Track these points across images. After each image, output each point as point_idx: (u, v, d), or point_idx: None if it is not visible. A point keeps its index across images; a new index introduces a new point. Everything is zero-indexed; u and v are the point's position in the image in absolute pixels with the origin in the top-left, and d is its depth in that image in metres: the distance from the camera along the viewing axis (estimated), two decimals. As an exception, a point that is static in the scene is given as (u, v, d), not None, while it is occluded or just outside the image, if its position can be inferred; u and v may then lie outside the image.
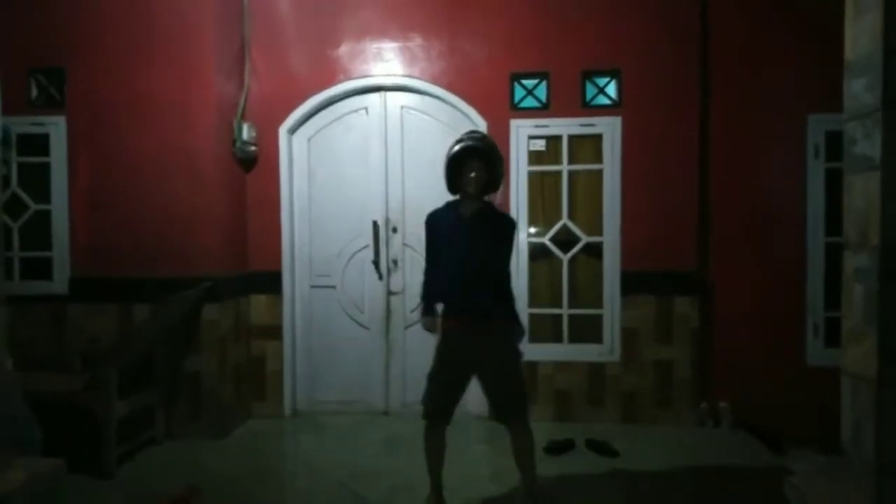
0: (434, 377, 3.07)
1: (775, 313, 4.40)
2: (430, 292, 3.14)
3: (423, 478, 3.02)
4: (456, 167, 3.03)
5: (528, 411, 3.06)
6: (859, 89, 1.99)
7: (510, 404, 3.03)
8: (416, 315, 4.71)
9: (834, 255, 3.98)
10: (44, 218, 4.39)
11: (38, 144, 4.38)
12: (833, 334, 4.17)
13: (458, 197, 3.12)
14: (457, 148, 3.05)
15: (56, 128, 4.34)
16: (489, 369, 3.02)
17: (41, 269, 4.39)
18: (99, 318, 4.28)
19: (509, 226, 3.15)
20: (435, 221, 3.15)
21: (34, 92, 4.39)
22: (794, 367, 4.36)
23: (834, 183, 4.17)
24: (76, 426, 3.74)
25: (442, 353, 3.07)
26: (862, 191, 1.98)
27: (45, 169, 4.36)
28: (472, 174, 3.00)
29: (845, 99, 2.08)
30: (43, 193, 4.38)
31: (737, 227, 4.45)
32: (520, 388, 3.08)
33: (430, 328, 3.14)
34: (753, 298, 4.42)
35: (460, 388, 3.07)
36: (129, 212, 4.28)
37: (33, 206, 4.41)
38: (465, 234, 3.03)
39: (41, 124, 4.36)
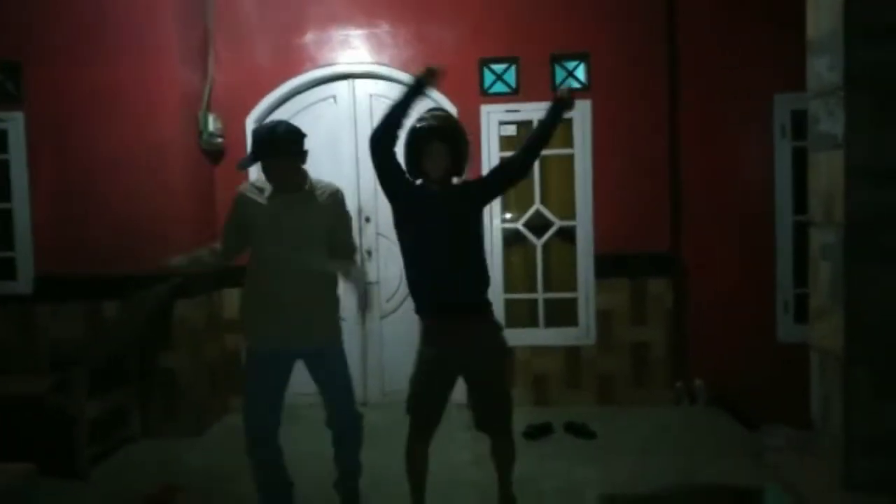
0: (414, 382, 2.82)
1: (747, 291, 4.47)
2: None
3: (402, 470, 3.00)
4: (417, 149, 2.74)
5: (511, 423, 2.88)
6: (822, 68, 2.01)
7: (491, 415, 2.83)
8: (392, 305, 4.72)
9: (802, 233, 4.04)
10: (4, 217, 4.27)
11: (-4, 141, 4.26)
12: (803, 311, 4.24)
13: (420, 182, 2.82)
14: (417, 127, 2.75)
15: (14, 123, 4.21)
16: (473, 375, 2.81)
17: (4, 269, 4.29)
18: (66, 317, 4.19)
19: (480, 182, 2.90)
20: (413, 186, 2.81)
21: (-11, 87, 4.26)
22: (765, 343, 4.43)
23: (801, 161, 4.22)
24: (47, 428, 3.67)
25: (421, 360, 2.81)
26: (826, 169, 2.00)
27: (4, 166, 4.24)
28: (436, 156, 2.72)
29: (808, 78, 2.09)
30: (2, 191, 4.26)
31: (708, 208, 4.49)
32: (503, 397, 2.86)
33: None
34: (725, 277, 4.48)
35: (443, 394, 2.82)
36: (94, 208, 4.18)
37: (-7, 205, 4.29)
38: (438, 212, 2.72)
39: (-1, 120, 4.24)
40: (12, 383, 3.82)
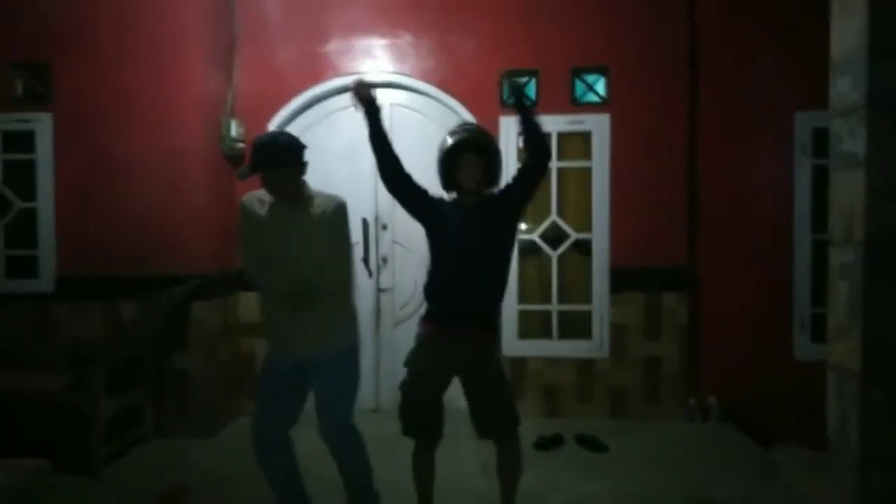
0: (406, 389, 2.83)
1: (763, 309, 4.44)
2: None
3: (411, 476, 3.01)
4: (450, 162, 2.80)
5: (516, 431, 2.83)
6: (844, 88, 2.01)
7: (489, 422, 2.81)
8: (407, 312, 4.74)
9: (821, 252, 4.02)
10: (29, 216, 4.34)
11: (24, 141, 4.33)
12: (820, 329, 4.21)
13: (454, 195, 2.88)
14: (450, 141, 2.83)
15: (42, 124, 4.29)
16: (468, 382, 2.80)
17: (27, 268, 4.35)
18: (85, 316, 4.24)
19: (505, 188, 2.84)
20: (438, 203, 2.85)
21: (19, 88, 4.33)
22: (781, 361, 4.40)
23: (821, 179, 4.21)
24: (63, 425, 3.71)
25: (413, 363, 2.82)
26: (847, 188, 2.00)
27: (31, 166, 4.31)
28: (468, 168, 2.76)
29: (831, 97, 2.10)
30: (28, 191, 4.33)
31: (725, 224, 4.48)
32: (501, 404, 2.81)
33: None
34: (741, 294, 4.45)
35: (438, 400, 2.82)
36: (117, 209, 4.24)
37: (19, 204, 4.37)
38: (466, 225, 2.75)
39: (27, 121, 4.31)
40: (30, 380, 3.87)
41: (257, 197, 2.80)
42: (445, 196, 2.92)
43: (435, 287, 2.84)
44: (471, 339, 2.79)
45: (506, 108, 4.53)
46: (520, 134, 2.86)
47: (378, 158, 2.85)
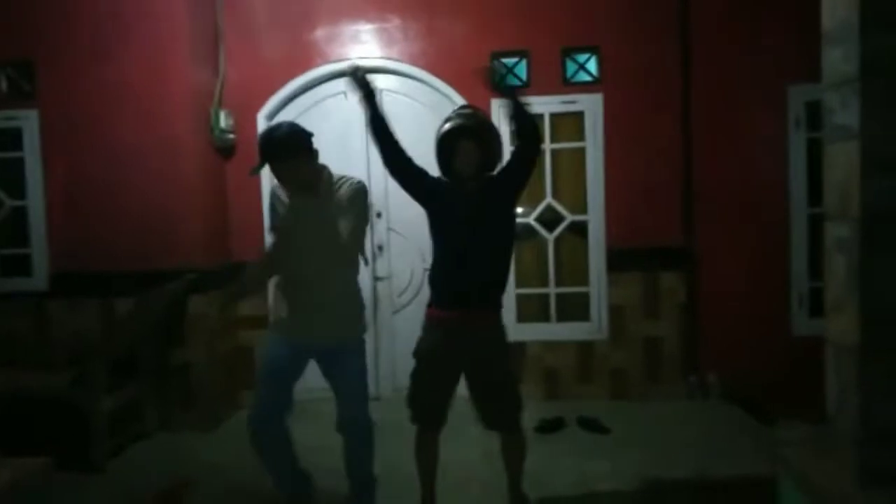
0: (416, 377, 2.84)
1: (760, 285, 4.43)
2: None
3: (412, 465, 3.01)
4: (447, 148, 2.76)
5: (520, 419, 2.87)
6: (837, 58, 1.98)
7: (498, 413, 2.83)
8: (404, 299, 4.73)
9: (817, 226, 3.99)
10: (20, 214, 4.32)
11: (11, 139, 4.29)
12: (817, 304, 4.20)
13: (452, 180, 2.82)
14: (446, 127, 2.78)
15: (28, 121, 4.26)
16: (477, 372, 2.80)
17: (20, 266, 4.34)
18: (81, 313, 4.23)
19: (506, 175, 2.79)
20: (440, 186, 2.81)
21: (4, 86, 4.29)
22: (779, 337, 4.39)
23: (816, 153, 4.17)
24: (64, 423, 3.71)
25: (423, 350, 2.83)
26: (842, 161, 1.98)
27: (20, 164, 4.28)
28: (465, 154, 2.72)
29: (823, 68, 2.06)
30: (18, 189, 4.31)
31: (721, 201, 4.45)
32: (509, 394, 2.83)
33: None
34: (739, 271, 4.44)
35: (449, 388, 2.83)
36: (108, 205, 4.22)
37: (8, 203, 4.35)
38: (468, 209, 2.73)
39: (13, 118, 4.28)
40: (30, 379, 3.86)
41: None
42: (446, 179, 2.87)
43: (440, 272, 2.82)
44: (477, 326, 2.78)
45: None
46: (511, 118, 2.82)
47: (378, 142, 2.82)
